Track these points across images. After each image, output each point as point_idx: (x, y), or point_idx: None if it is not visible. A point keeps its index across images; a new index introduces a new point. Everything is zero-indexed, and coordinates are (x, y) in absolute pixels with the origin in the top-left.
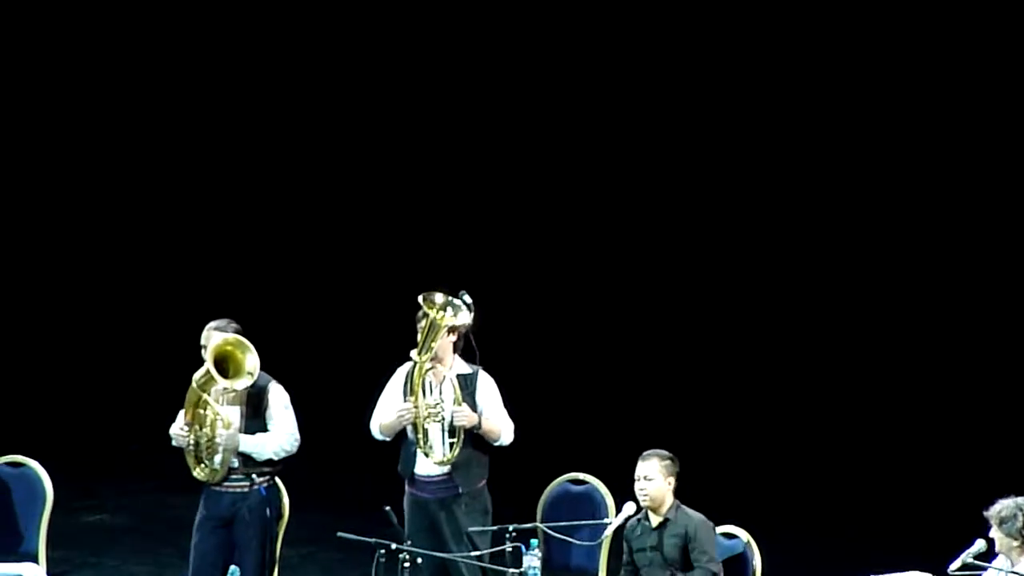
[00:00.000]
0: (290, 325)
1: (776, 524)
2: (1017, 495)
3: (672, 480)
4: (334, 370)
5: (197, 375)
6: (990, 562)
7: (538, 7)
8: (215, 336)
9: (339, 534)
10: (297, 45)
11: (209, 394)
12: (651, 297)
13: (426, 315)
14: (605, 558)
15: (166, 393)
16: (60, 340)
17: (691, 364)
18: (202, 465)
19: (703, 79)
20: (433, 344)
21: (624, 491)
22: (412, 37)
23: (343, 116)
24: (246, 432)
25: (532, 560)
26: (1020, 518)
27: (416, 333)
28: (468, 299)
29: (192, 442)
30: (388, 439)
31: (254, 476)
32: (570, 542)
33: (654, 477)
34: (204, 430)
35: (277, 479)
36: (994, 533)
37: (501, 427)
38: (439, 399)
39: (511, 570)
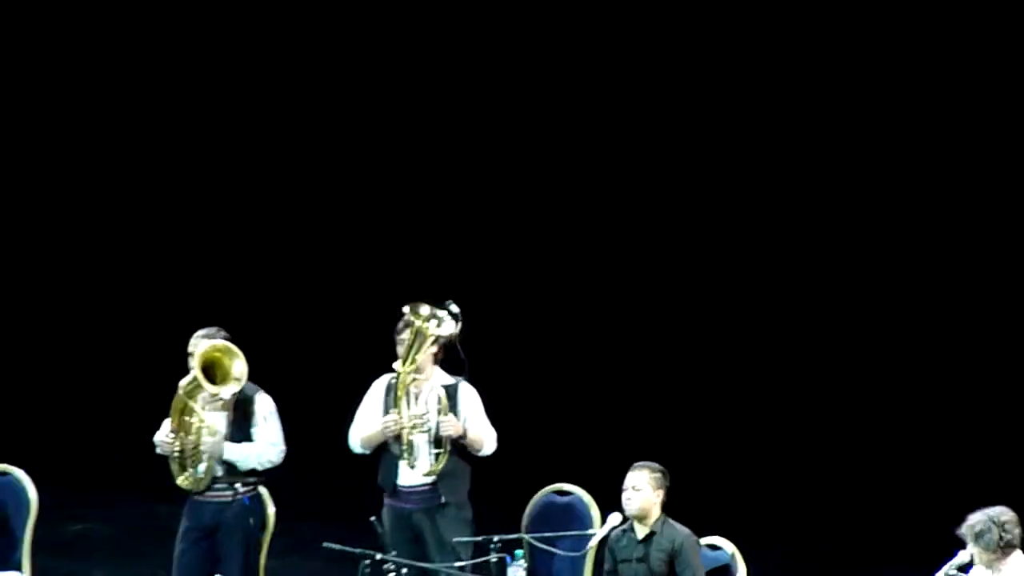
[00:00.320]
0: (275, 335)
1: (761, 536)
2: (985, 507)
3: (661, 493)
4: (319, 379)
5: (184, 381)
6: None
7: (521, 21)
8: (203, 343)
9: (324, 544)
10: (278, 57)
11: (196, 401)
12: (638, 308)
13: (409, 326)
14: (590, 569)
15: (151, 402)
16: (45, 349)
17: (678, 375)
18: (186, 473)
19: (694, 86)
20: (418, 355)
21: (609, 502)
22: (395, 51)
23: (326, 132)
24: (231, 440)
25: (517, 571)
26: (995, 530)
27: (395, 345)
28: (455, 308)
29: (177, 449)
30: (368, 452)
31: (238, 486)
32: (555, 553)
33: (642, 488)
34: (189, 437)
35: (262, 489)
36: (971, 549)
37: (484, 437)
38: (425, 409)
39: None
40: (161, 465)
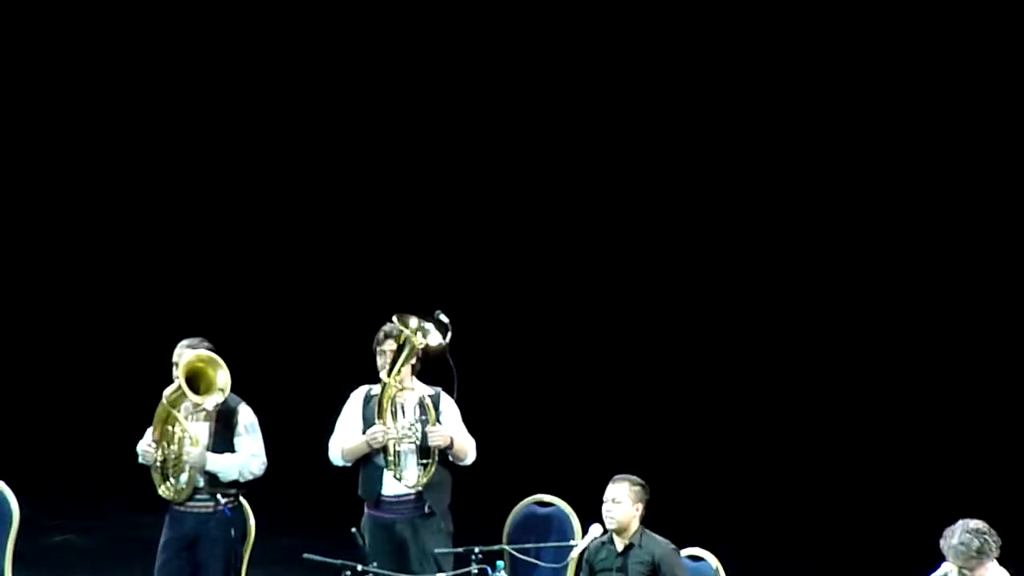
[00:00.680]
0: (256, 346)
1: (744, 548)
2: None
3: (640, 506)
4: (299, 390)
5: (168, 391)
6: None
7: (499, 33)
8: (187, 353)
9: (305, 555)
10: (257, 70)
11: (179, 411)
12: (619, 319)
13: (392, 336)
14: None
15: (133, 412)
16: (26, 360)
17: (660, 386)
18: (168, 483)
19: (684, 92)
20: (404, 366)
21: (590, 513)
22: (376, 63)
23: (306, 147)
24: (214, 451)
25: None
26: (975, 541)
27: (374, 356)
28: (445, 318)
29: (159, 459)
30: (349, 464)
31: (219, 497)
32: (536, 564)
33: (622, 501)
34: (172, 447)
35: (242, 500)
36: (955, 561)
37: (467, 446)
38: (414, 420)
39: None
40: (143, 475)
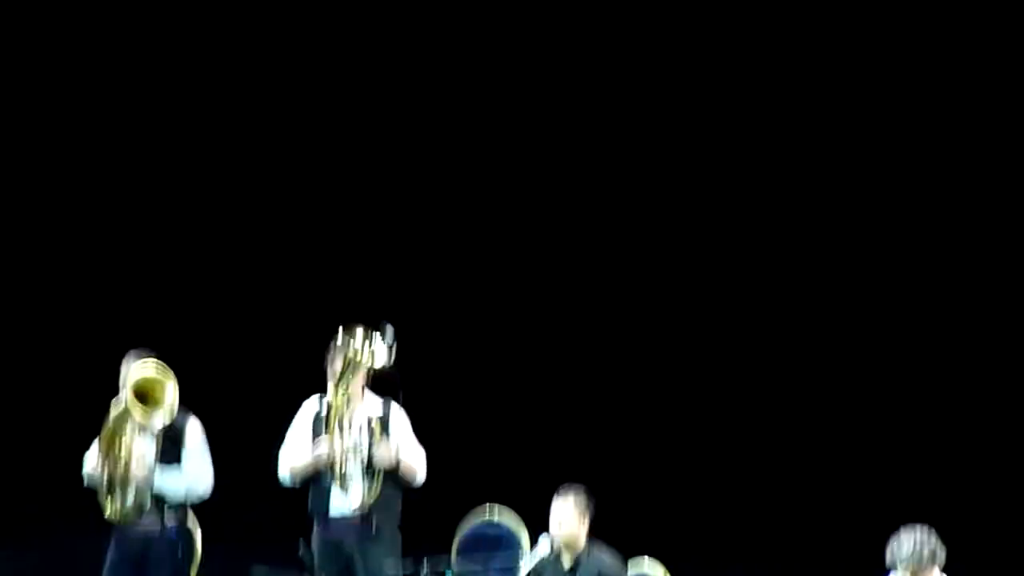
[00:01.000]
0: (205, 360)
1: (691, 557)
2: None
3: (587, 520)
4: (250, 405)
5: (114, 408)
6: None
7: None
8: (135, 368)
9: (254, 568)
10: (197, 81)
11: (126, 428)
12: (564, 331)
13: (339, 349)
14: None
15: (79, 429)
16: None
17: (607, 397)
18: (115, 503)
19: (653, 93)
20: (350, 382)
21: (540, 526)
22: (319, 75)
23: (250, 160)
24: (161, 468)
25: None
26: (926, 548)
27: (324, 369)
28: (390, 334)
29: (106, 478)
30: (297, 486)
31: (165, 516)
32: None
33: (570, 517)
34: (118, 466)
35: (189, 519)
36: (906, 569)
37: (416, 463)
38: (359, 438)
39: None
40: (89, 495)
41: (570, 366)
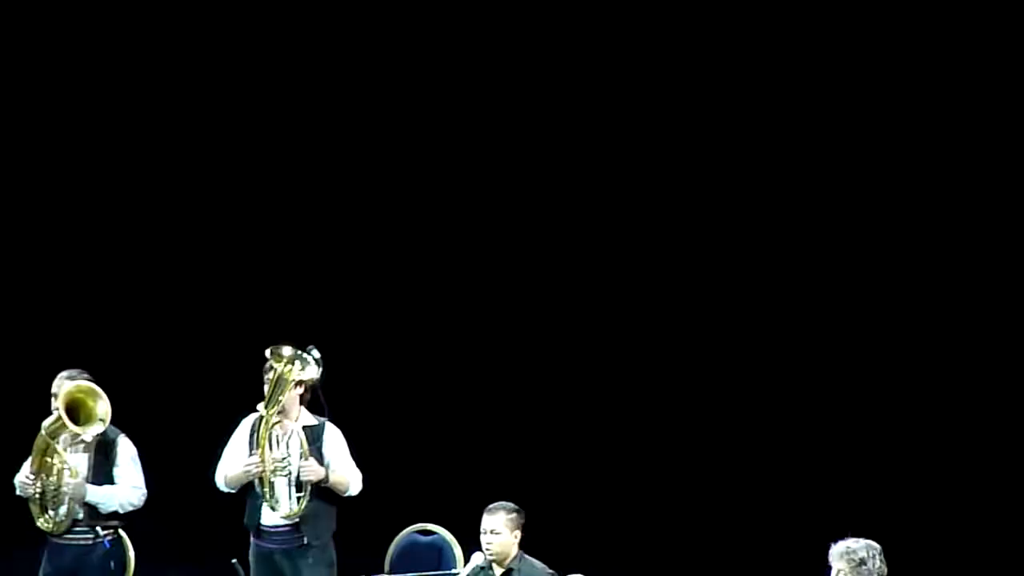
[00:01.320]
0: (137, 377)
1: (622, 572)
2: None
3: (518, 533)
4: (179, 421)
5: (47, 422)
6: None
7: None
8: (66, 383)
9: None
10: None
11: (58, 442)
12: (495, 346)
13: (273, 368)
14: None
15: (11, 443)
16: None
17: (537, 413)
18: (47, 515)
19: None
20: (280, 397)
21: (472, 541)
22: (249, 92)
23: (183, 171)
24: (93, 483)
25: None
26: (876, 559)
27: (263, 385)
28: (317, 354)
29: (38, 491)
30: (233, 491)
31: (98, 529)
32: None
33: (500, 531)
34: (51, 479)
35: (122, 532)
36: (839, 565)
37: (349, 479)
38: (286, 453)
39: None
40: (21, 507)
41: (500, 382)
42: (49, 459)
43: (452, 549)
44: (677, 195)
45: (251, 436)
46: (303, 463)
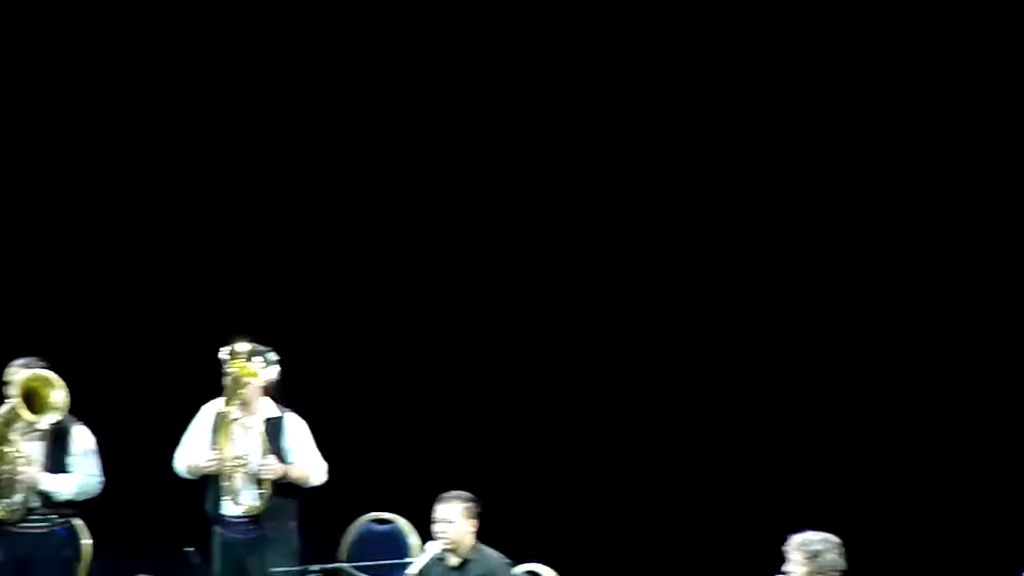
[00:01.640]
0: (94, 365)
1: (579, 561)
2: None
3: (473, 522)
4: (137, 409)
5: (2, 410)
6: None
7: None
8: (22, 372)
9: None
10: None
11: (13, 430)
12: (452, 335)
13: (231, 368)
14: None
15: None
16: None
17: (493, 401)
18: (1, 503)
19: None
20: (239, 394)
21: (429, 529)
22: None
23: (148, 161)
24: (49, 471)
25: None
26: (833, 552)
27: (223, 374)
28: (273, 356)
29: None
30: (194, 477)
31: (53, 517)
32: None
33: (454, 520)
34: (5, 467)
35: (77, 520)
36: (800, 567)
37: (310, 471)
38: (246, 450)
39: None
40: None
41: (455, 371)
42: (4, 447)
43: (408, 538)
44: (647, 188)
45: (212, 428)
46: (263, 461)
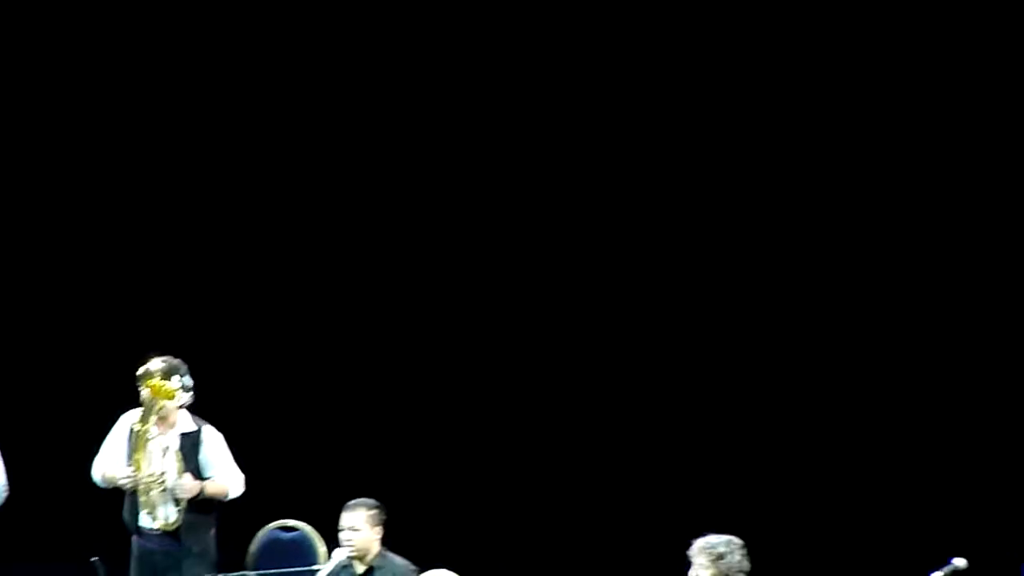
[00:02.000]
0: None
1: (485, 568)
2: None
3: (379, 529)
4: (43, 418)
5: None
6: None
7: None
8: None
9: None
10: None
11: None
12: (353, 341)
13: (145, 388)
14: None
15: None
16: None
17: (398, 408)
18: None
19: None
20: (153, 415)
21: (336, 537)
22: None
23: (58, 165)
24: None
25: None
26: (737, 554)
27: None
28: (189, 381)
29: None
30: (109, 488)
31: None
32: None
33: (360, 528)
34: None
35: None
36: (705, 570)
37: (227, 485)
38: (162, 469)
39: None
40: None
41: (359, 380)
42: None
43: (314, 545)
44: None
45: (129, 439)
46: (178, 482)
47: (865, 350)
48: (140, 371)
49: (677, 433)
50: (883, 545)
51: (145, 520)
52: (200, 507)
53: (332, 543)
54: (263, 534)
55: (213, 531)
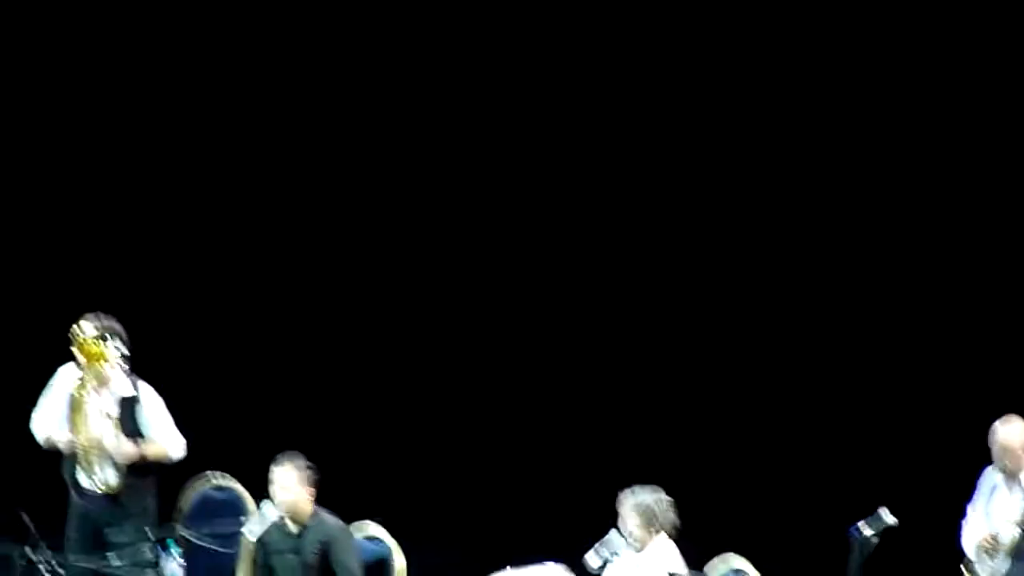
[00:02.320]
0: None
1: (419, 527)
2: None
3: (310, 489)
4: None
5: None
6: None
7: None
8: None
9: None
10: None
11: None
12: (286, 297)
13: (78, 349)
14: (247, 561)
15: None
16: None
17: (333, 363)
18: None
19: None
20: (91, 373)
21: (265, 493)
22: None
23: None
24: None
25: (171, 563)
26: (664, 505)
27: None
28: (123, 342)
29: None
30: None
31: None
32: (210, 547)
33: (289, 486)
34: None
35: None
36: (634, 522)
37: (168, 446)
38: (101, 432)
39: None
40: None
41: (290, 333)
42: None
43: (244, 502)
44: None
45: (69, 408)
46: (116, 447)
47: (783, 303)
48: (72, 331)
49: (606, 383)
50: (812, 496)
51: (85, 481)
52: (140, 469)
53: (262, 499)
54: (193, 490)
55: (154, 494)
